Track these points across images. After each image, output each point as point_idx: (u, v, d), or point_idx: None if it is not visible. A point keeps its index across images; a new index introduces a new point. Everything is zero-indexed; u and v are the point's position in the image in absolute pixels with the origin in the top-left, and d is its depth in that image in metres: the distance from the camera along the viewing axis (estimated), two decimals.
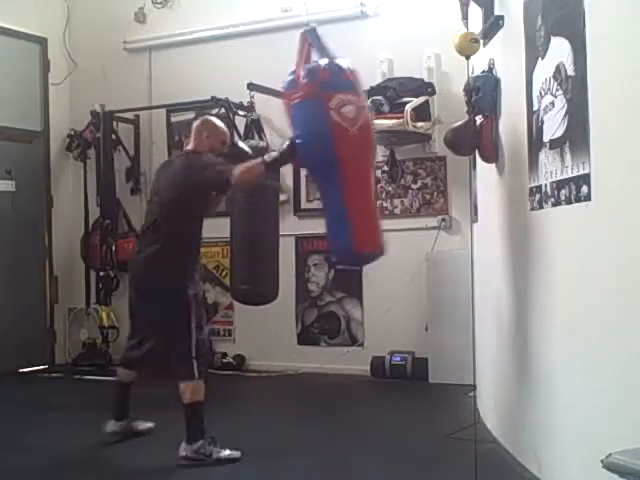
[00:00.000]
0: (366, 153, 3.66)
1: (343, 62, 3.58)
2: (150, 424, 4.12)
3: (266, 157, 3.72)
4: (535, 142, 3.13)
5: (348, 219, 3.56)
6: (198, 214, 3.89)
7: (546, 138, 2.98)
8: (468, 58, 3.64)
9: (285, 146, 3.68)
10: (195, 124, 3.99)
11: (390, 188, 6.03)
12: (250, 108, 5.62)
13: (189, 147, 3.98)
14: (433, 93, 5.62)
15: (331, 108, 3.44)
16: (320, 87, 3.52)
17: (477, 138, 3.81)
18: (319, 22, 6.01)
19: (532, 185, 3.17)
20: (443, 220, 5.81)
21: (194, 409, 3.70)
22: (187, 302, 3.77)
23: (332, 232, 3.67)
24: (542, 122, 3.03)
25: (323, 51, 3.64)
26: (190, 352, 3.72)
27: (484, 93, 3.75)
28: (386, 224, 5.92)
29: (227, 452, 3.72)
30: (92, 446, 4.02)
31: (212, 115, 6.36)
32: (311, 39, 3.72)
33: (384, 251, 3.69)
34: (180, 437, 3.70)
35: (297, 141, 3.60)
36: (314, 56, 3.69)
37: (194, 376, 3.72)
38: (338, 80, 3.54)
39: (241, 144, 4.24)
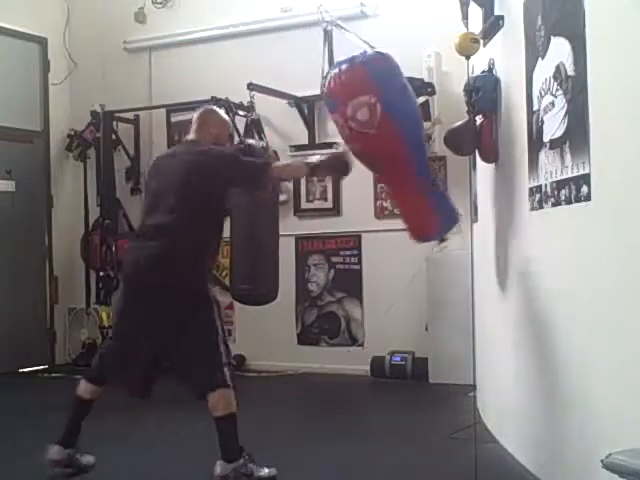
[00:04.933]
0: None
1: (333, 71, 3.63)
2: (91, 458, 3.52)
3: (315, 160, 3.61)
4: (535, 142, 3.12)
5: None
6: (221, 209, 3.52)
7: (546, 138, 2.98)
8: (468, 58, 3.64)
9: (334, 157, 3.63)
10: (199, 113, 3.65)
11: None
12: (250, 108, 5.62)
13: (192, 137, 3.59)
14: (433, 93, 5.61)
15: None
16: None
17: (477, 138, 3.81)
18: (319, 22, 6.09)
19: (532, 185, 3.17)
20: None
21: (226, 421, 3.34)
22: (212, 303, 3.41)
23: None
24: (542, 122, 3.03)
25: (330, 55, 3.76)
26: (221, 357, 3.35)
27: (484, 93, 3.74)
28: (386, 224, 6.01)
29: (266, 470, 3.39)
30: (90, 447, 4.02)
31: None
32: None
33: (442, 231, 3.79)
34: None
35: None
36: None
37: (227, 384, 3.33)
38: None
39: (252, 142, 4.00)
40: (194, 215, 3.36)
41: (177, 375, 3.42)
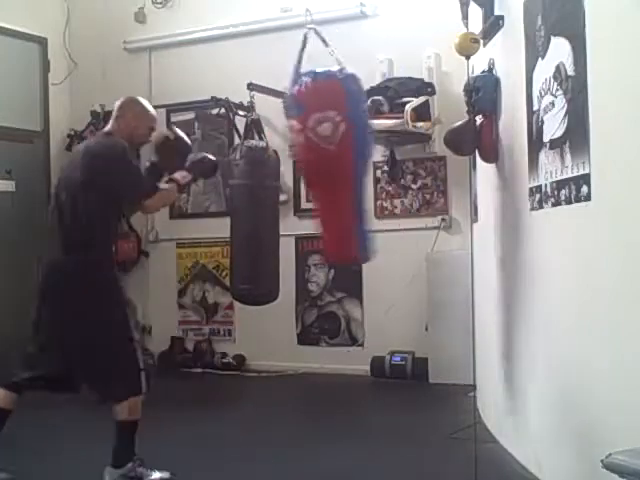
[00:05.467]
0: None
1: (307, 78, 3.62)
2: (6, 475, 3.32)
3: (181, 179, 3.45)
4: (535, 142, 3.13)
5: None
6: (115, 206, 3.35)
7: (546, 138, 2.98)
8: (468, 58, 3.64)
9: (202, 164, 3.60)
10: (121, 102, 3.44)
11: (390, 188, 6.03)
12: (250, 108, 5.61)
13: (108, 128, 3.40)
14: (433, 93, 5.62)
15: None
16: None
17: (477, 138, 3.81)
18: (319, 22, 6.10)
19: (532, 185, 3.17)
20: (443, 220, 5.82)
21: (130, 428, 3.24)
22: (123, 303, 3.32)
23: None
24: (542, 122, 3.03)
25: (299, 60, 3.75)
26: (137, 363, 3.25)
27: (484, 93, 3.75)
28: (386, 224, 6.01)
29: (157, 475, 3.30)
30: (92, 447, 4.02)
31: (212, 115, 6.42)
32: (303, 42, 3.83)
33: (359, 259, 3.76)
34: None
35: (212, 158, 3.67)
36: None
37: (142, 391, 3.24)
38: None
39: (180, 133, 3.68)
40: (86, 207, 3.21)
41: (86, 377, 3.28)
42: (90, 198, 3.21)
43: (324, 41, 3.97)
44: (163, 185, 3.41)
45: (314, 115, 3.51)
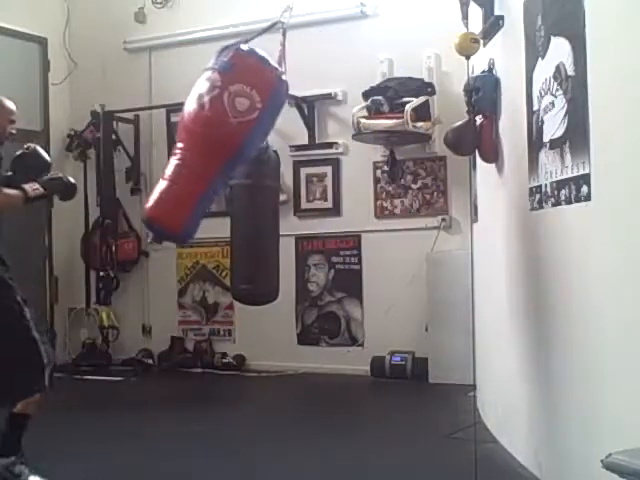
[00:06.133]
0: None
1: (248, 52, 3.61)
2: None
3: (30, 191, 3.42)
4: (535, 142, 3.13)
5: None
6: None
7: (546, 138, 2.98)
8: (468, 58, 3.64)
9: (55, 182, 3.58)
10: None
11: (390, 188, 6.03)
12: None
13: None
14: (433, 93, 5.62)
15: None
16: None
17: (477, 138, 3.82)
18: (319, 22, 6.13)
19: (532, 185, 3.17)
20: (443, 220, 5.82)
21: (22, 420, 3.26)
22: (12, 304, 3.38)
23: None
24: (542, 122, 3.03)
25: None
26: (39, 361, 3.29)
27: (484, 93, 3.75)
28: (386, 224, 6.02)
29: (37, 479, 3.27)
30: (91, 447, 4.02)
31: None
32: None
33: (180, 236, 3.71)
34: None
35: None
36: None
37: (45, 389, 3.32)
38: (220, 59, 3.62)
39: (40, 151, 3.82)
40: None
41: None
42: None
43: (283, 44, 3.95)
44: (7, 190, 3.34)
45: (241, 84, 3.48)
